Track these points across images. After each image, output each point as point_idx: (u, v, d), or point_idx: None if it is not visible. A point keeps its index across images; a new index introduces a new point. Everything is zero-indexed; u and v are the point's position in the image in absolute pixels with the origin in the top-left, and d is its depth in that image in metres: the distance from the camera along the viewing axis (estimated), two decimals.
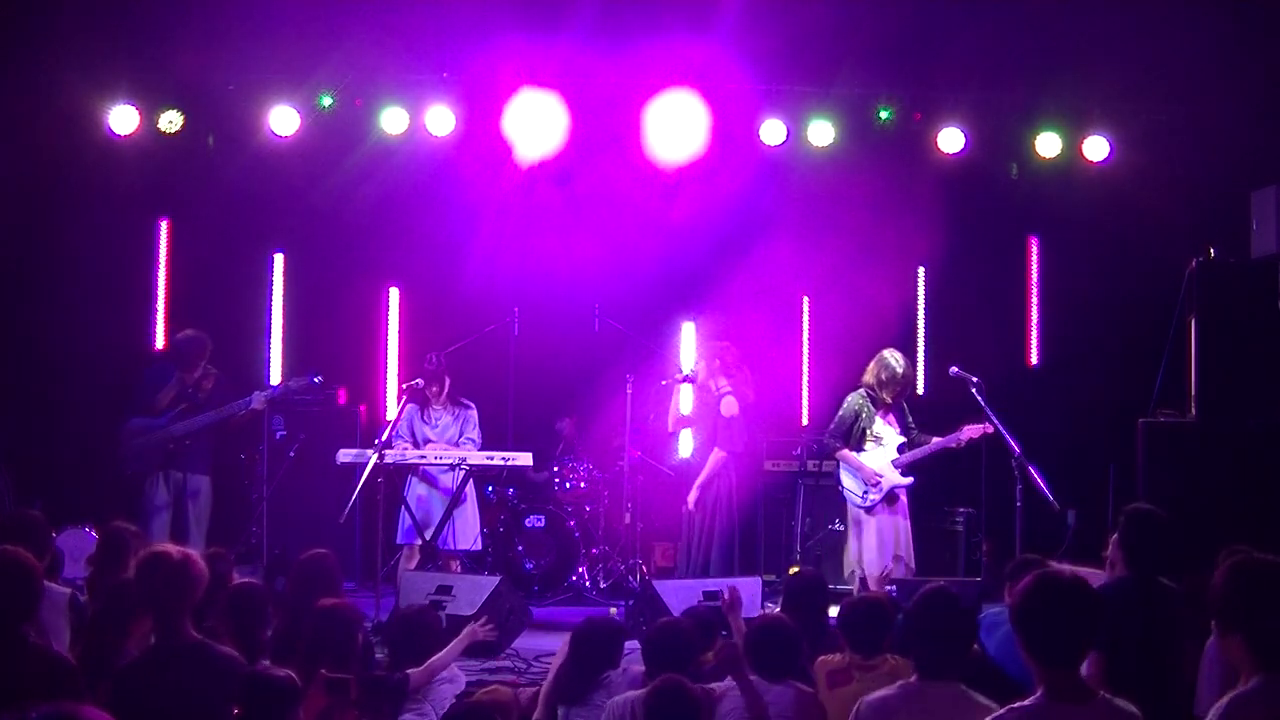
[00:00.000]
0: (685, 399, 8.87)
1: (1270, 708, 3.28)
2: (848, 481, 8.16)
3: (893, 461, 8.08)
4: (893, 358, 8.12)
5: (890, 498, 8.05)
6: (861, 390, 8.20)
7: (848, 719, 3.90)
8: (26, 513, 5.72)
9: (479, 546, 8.85)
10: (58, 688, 3.93)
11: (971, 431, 8.00)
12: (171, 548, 4.45)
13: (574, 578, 9.42)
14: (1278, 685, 3.31)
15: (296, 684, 3.89)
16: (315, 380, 8.48)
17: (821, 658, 4.87)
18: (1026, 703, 3.34)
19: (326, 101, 9.78)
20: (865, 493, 8.05)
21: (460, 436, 8.68)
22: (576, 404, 10.76)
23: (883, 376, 8.09)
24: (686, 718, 4.20)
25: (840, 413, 8.23)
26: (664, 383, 8.67)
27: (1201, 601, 3.67)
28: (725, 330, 8.89)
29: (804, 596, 5.65)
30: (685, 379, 8.55)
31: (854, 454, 8.08)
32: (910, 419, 8.26)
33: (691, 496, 8.34)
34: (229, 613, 4.81)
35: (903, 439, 8.14)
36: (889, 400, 8.13)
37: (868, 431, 8.12)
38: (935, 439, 8.12)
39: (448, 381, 8.67)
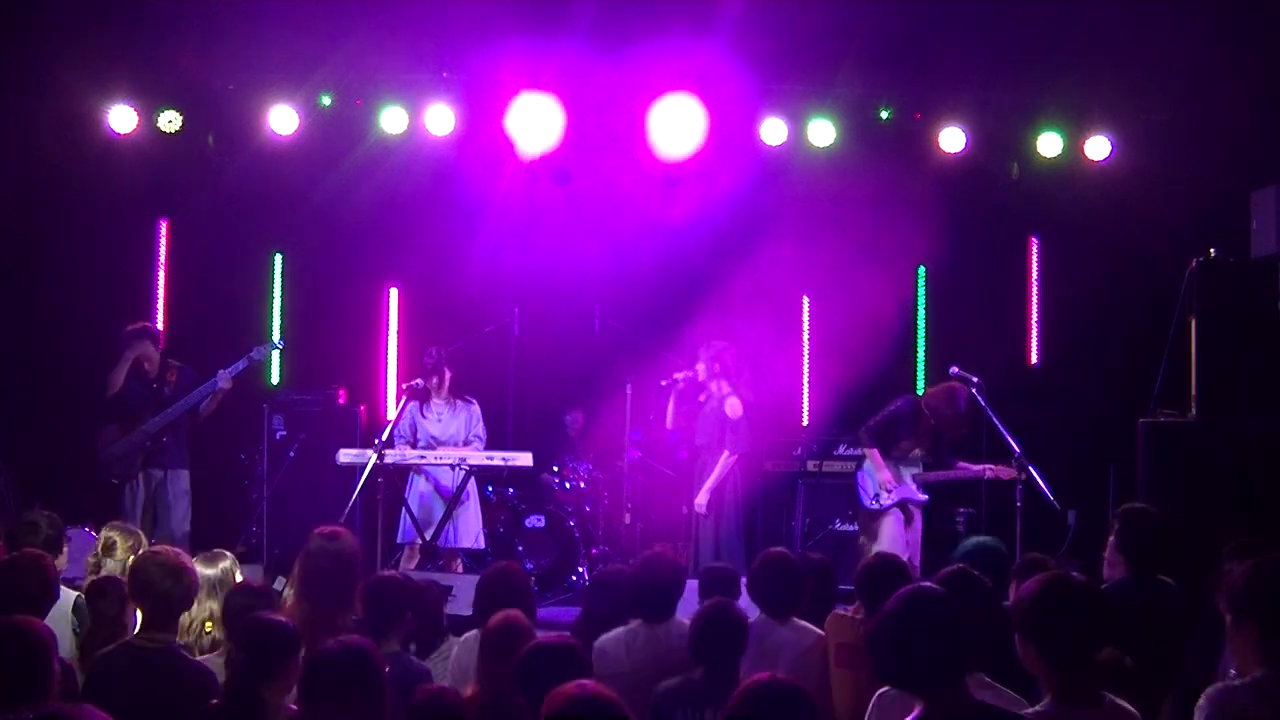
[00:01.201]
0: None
1: (1271, 701, 3.28)
2: (863, 479, 8.24)
3: (913, 475, 8.14)
4: (961, 395, 8.07)
5: (907, 515, 8.11)
6: (916, 403, 8.27)
7: (852, 702, 3.85)
8: (39, 513, 5.73)
9: (481, 544, 8.86)
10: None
11: (999, 472, 8.02)
12: (168, 550, 4.48)
13: (574, 578, 9.41)
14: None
15: (296, 631, 3.87)
16: (278, 345, 8.74)
17: (835, 613, 4.83)
18: (1036, 709, 3.33)
19: (326, 101, 9.77)
20: (876, 494, 8.12)
21: (468, 433, 8.73)
22: (578, 402, 10.76)
23: (944, 410, 8.08)
24: (736, 636, 4.30)
25: (885, 411, 8.24)
26: (664, 384, 8.66)
27: (1208, 599, 3.68)
28: (725, 330, 8.87)
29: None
30: (687, 379, 8.53)
31: (880, 456, 8.14)
32: (943, 445, 8.29)
33: (702, 499, 8.30)
34: (224, 615, 4.77)
35: (928, 458, 8.20)
36: (934, 424, 8.16)
37: (900, 443, 8.18)
38: (960, 464, 8.18)
39: (448, 375, 8.70)
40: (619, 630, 4.94)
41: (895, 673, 3.28)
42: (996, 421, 8.01)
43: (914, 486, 8.17)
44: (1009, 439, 7.95)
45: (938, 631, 3.20)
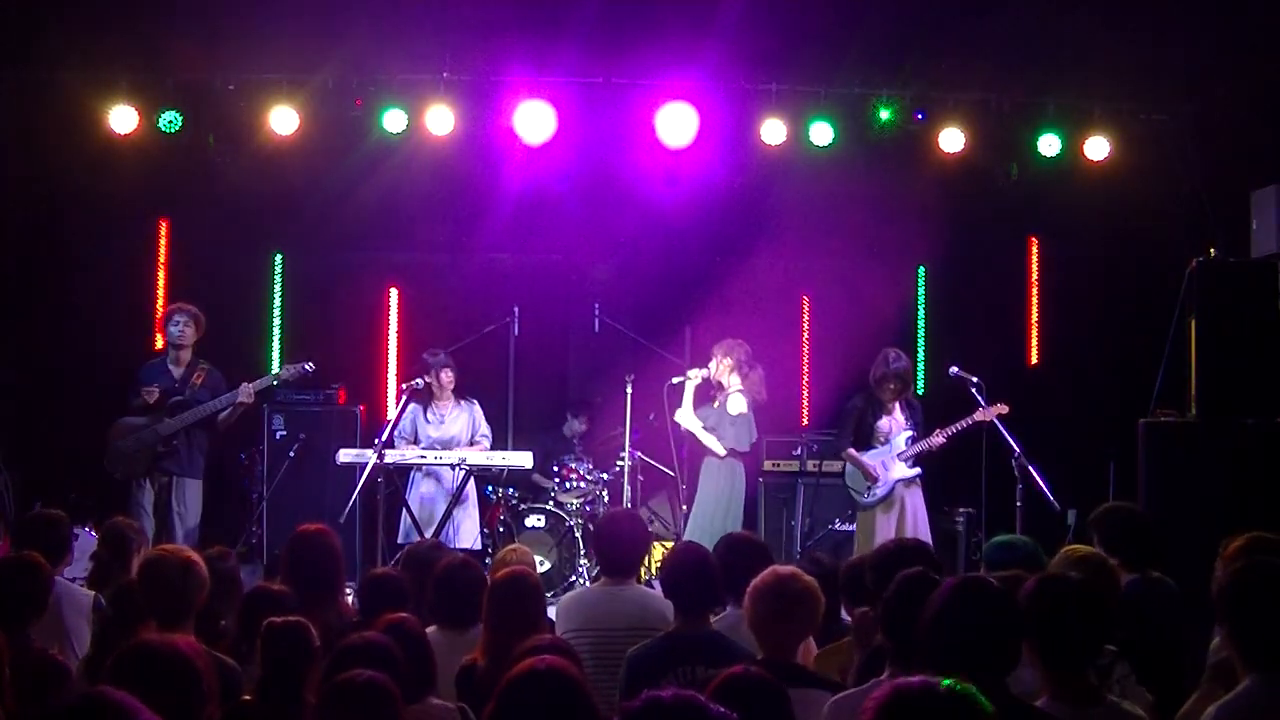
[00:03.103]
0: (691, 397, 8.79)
1: (1263, 712, 3.26)
2: (851, 479, 8.29)
3: (898, 454, 8.15)
4: (888, 353, 8.25)
5: (891, 500, 8.11)
6: (864, 386, 8.33)
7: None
8: (47, 513, 5.72)
9: (480, 545, 8.88)
10: (54, 691, 3.92)
11: (986, 414, 8.04)
12: (174, 550, 4.47)
13: (574, 578, 9.42)
14: (1268, 686, 3.29)
15: (313, 635, 3.89)
16: (307, 367, 8.36)
17: (821, 650, 4.75)
18: (1035, 705, 3.32)
19: (327, 102, 9.68)
20: (868, 488, 8.17)
21: (472, 434, 8.76)
22: (579, 409, 10.76)
23: (877, 373, 8.24)
24: (709, 578, 4.45)
25: (843, 414, 8.34)
26: (675, 381, 8.67)
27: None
28: (725, 330, 8.89)
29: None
30: (704, 377, 8.56)
31: (857, 452, 8.19)
32: (918, 416, 8.32)
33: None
34: (241, 615, 4.76)
35: (910, 433, 8.20)
36: (887, 397, 8.22)
37: (873, 429, 8.21)
38: (938, 430, 8.21)
39: (454, 375, 8.73)
40: (581, 589, 4.96)
41: (954, 659, 3.19)
42: (996, 421, 8.03)
43: (904, 465, 8.18)
44: (1009, 439, 7.96)
45: (1002, 619, 3.20)
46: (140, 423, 8.03)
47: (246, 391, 8.05)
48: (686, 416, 8.57)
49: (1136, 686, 3.87)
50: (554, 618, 5.07)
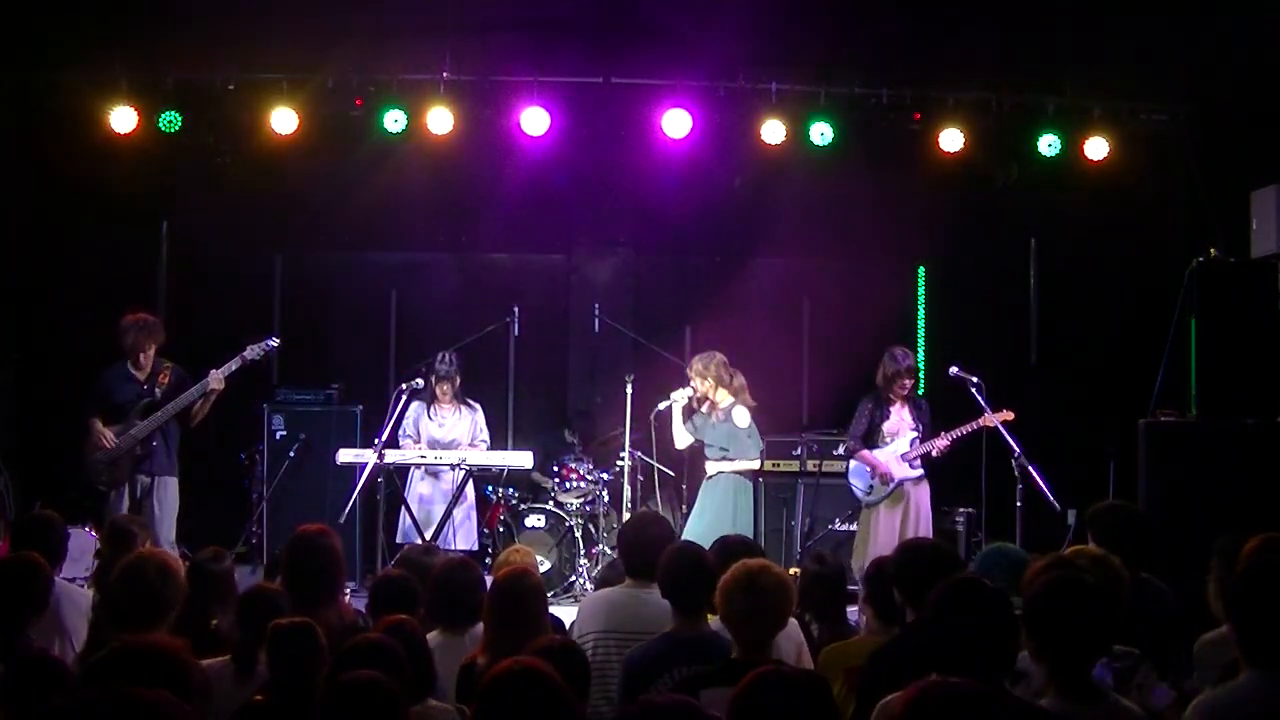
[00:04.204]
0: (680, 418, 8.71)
1: (1259, 708, 3.26)
2: (854, 478, 8.32)
3: (901, 455, 8.17)
4: (894, 351, 8.28)
5: (896, 496, 8.14)
6: (873, 390, 8.36)
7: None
8: (44, 513, 5.71)
9: (478, 546, 8.89)
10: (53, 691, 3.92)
11: (989, 420, 8.05)
12: (154, 553, 4.48)
13: (574, 578, 9.42)
14: (1266, 684, 3.29)
15: (320, 636, 3.91)
16: (272, 343, 8.25)
17: (834, 645, 4.72)
18: (1040, 704, 3.33)
19: (327, 102, 9.69)
20: (870, 488, 8.21)
21: (472, 438, 8.77)
22: (575, 404, 10.77)
23: (887, 371, 8.26)
24: (703, 575, 4.43)
25: (855, 416, 8.36)
26: (661, 408, 8.60)
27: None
28: (725, 330, 8.89)
29: (823, 591, 5.22)
30: (690, 398, 8.51)
31: (870, 452, 8.21)
32: (926, 418, 8.32)
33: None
34: (240, 616, 4.75)
35: (915, 434, 8.22)
36: (895, 396, 8.23)
37: (879, 429, 8.23)
38: (942, 433, 8.19)
39: (458, 380, 8.74)
40: (605, 590, 4.94)
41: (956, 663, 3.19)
42: (996, 421, 8.03)
43: (906, 465, 8.20)
44: (1010, 439, 7.96)
45: (996, 621, 3.22)
46: (114, 429, 7.93)
47: (216, 378, 7.91)
48: (682, 438, 8.49)
49: (1159, 683, 3.86)
50: (577, 617, 5.06)
